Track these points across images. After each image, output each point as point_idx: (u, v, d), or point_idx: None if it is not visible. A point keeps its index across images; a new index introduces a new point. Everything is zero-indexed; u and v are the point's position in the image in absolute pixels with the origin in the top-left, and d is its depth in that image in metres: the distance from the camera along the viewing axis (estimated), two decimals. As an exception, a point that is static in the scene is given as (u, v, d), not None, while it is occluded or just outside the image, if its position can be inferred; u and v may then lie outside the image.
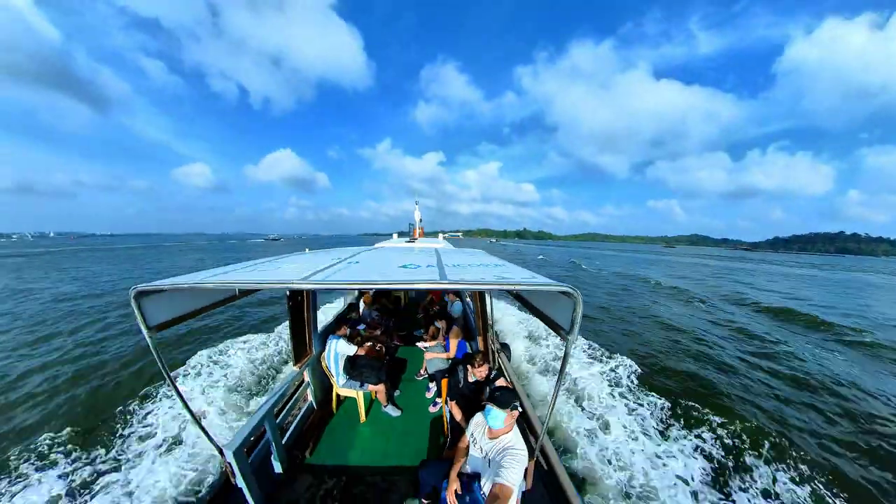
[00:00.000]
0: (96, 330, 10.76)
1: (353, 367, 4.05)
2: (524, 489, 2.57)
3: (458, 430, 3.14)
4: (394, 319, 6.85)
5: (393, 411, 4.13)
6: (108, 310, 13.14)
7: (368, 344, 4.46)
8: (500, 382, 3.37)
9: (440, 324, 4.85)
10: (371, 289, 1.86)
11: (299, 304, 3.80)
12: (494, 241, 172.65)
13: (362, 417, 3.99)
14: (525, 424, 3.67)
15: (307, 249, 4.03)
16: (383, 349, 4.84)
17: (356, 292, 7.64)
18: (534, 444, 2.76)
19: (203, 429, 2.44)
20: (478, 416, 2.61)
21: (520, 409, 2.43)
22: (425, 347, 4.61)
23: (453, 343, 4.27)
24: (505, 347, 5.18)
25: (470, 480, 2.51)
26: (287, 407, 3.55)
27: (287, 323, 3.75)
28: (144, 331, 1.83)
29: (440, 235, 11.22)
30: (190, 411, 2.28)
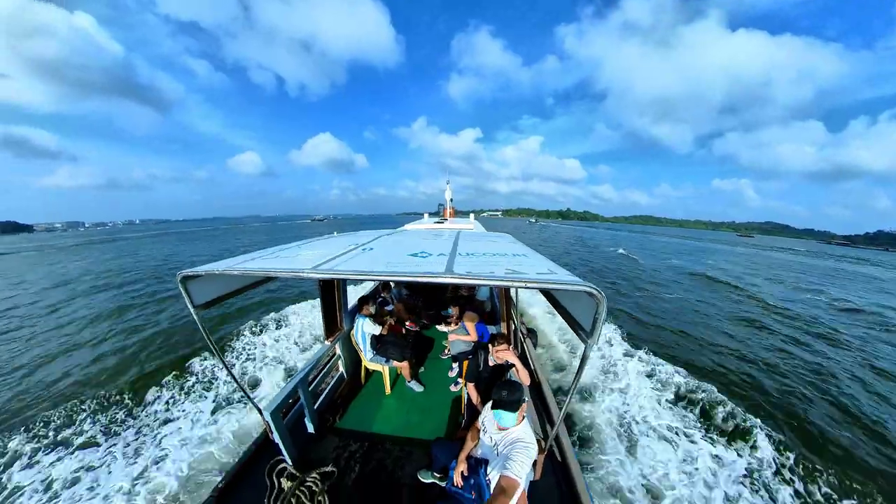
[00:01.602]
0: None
1: (380, 344, 4.25)
2: (532, 479, 2.55)
3: (474, 412, 3.19)
4: (422, 298, 7.00)
5: (416, 387, 4.32)
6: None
7: (392, 322, 4.61)
8: (521, 370, 3.30)
9: (454, 310, 4.86)
10: (374, 279, 1.93)
11: (329, 284, 4.04)
12: (534, 220, 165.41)
13: (387, 390, 4.24)
14: (543, 413, 3.61)
15: (335, 233, 4.18)
16: (408, 328, 4.98)
17: None
18: (549, 433, 2.70)
19: (246, 393, 2.79)
20: (490, 410, 2.60)
21: (527, 401, 2.37)
22: (447, 331, 4.67)
23: (470, 326, 4.27)
24: (532, 333, 5.07)
25: (478, 464, 2.55)
26: (320, 376, 3.88)
27: (320, 301, 4.03)
28: (191, 309, 2.11)
29: (471, 216, 10.91)
30: (235, 378, 2.61)
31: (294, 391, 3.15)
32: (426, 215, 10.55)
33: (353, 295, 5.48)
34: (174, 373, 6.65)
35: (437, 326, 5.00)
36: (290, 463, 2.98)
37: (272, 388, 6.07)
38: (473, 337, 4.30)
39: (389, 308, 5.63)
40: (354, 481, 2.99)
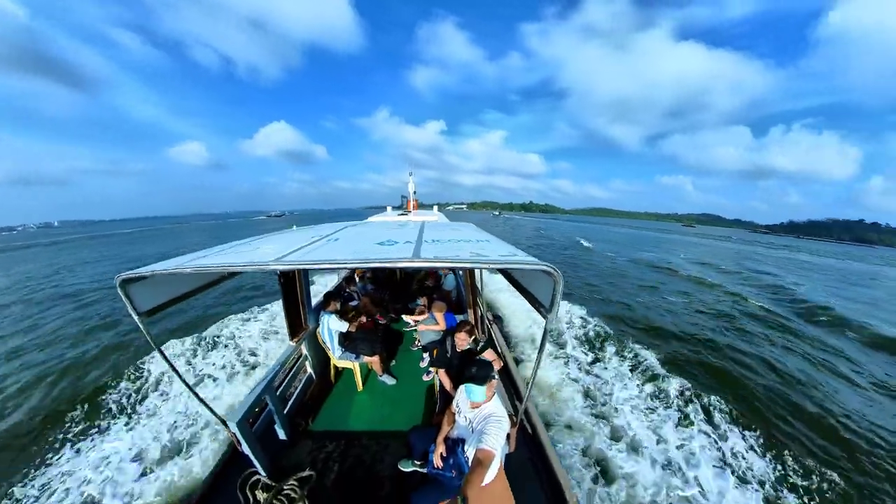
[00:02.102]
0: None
1: (349, 340, 4.18)
2: (507, 451, 2.71)
3: (448, 397, 3.28)
4: (389, 291, 6.96)
5: (388, 380, 4.32)
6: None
7: (361, 319, 4.56)
8: (488, 353, 3.46)
9: (422, 300, 4.93)
10: (342, 268, 1.88)
11: (291, 281, 3.86)
12: (498, 213, 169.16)
13: (359, 386, 4.19)
14: (512, 390, 3.82)
15: (294, 226, 4.02)
16: (377, 322, 4.96)
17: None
18: (518, 409, 2.87)
19: (207, 406, 2.59)
20: (462, 389, 2.72)
21: (496, 379, 2.52)
22: (414, 322, 4.73)
23: (439, 316, 4.36)
24: (497, 319, 5.29)
25: (455, 445, 2.65)
26: (287, 379, 3.74)
27: (281, 300, 3.84)
28: (135, 317, 1.90)
29: (435, 208, 10.89)
30: (192, 390, 2.43)
31: (260, 398, 3.01)
32: (389, 208, 10.30)
33: (317, 293, 5.33)
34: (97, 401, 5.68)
35: (404, 317, 5.03)
36: (265, 473, 2.86)
37: (234, 398, 5.73)
38: (442, 326, 4.39)
39: (355, 304, 5.54)
40: (334, 482, 2.96)
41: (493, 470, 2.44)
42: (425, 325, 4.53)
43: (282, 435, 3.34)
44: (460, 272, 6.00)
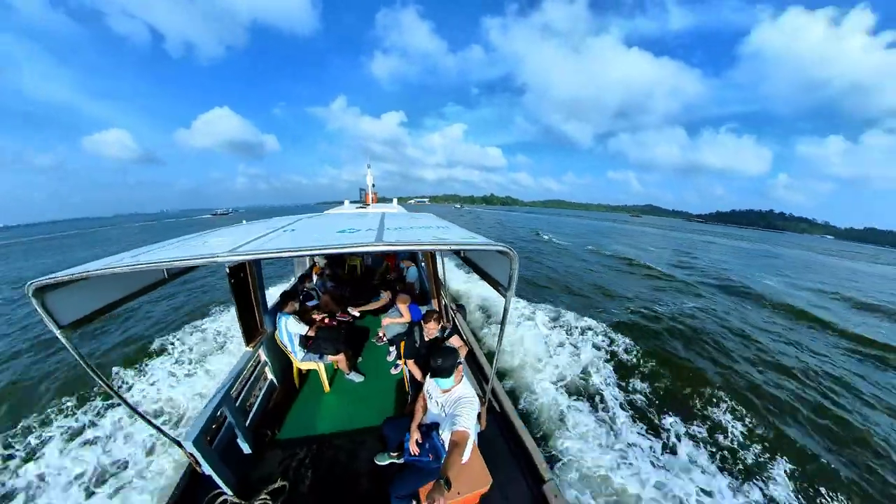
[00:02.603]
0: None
1: (311, 341, 4.02)
2: (479, 430, 2.84)
3: (418, 387, 3.32)
4: (350, 287, 6.79)
5: (356, 377, 4.25)
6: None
7: (322, 317, 4.41)
8: (454, 340, 3.55)
9: (385, 294, 4.92)
10: (305, 255, 1.76)
11: (242, 281, 3.57)
12: (460, 206, 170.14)
13: (326, 387, 4.06)
14: (479, 373, 3.97)
15: (244, 221, 3.72)
16: (339, 319, 4.82)
17: (306, 264, 7.39)
18: (486, 388, 3.00)
19: (156, 426, 2.37)
20: (430, 379, 2.78)
21: (462, 363, 2.61)
22: (359, 313, 4.83)
23: (403, 308, 4.36)
24: (461, 308, 5.43)
25: (429, 430, 2.71)
26: (246, 388, 3.49)
27: (232, 303, 3.55)
28: (56, 331, 1.63)
29: (394, 201, 10.70)
30: (135, 410, 2.20)
31: (218, 411, 2.78)
32: (347, 202, 9.90)
33: (273, 293, 5.04)
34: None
35: (350, 309, 4.94)
36: (231, 492, 2.67)
37: (189, 417, 5.23)
38: (407, 318, 4.40)
39: (314, 303, 5.33)
40: (310, 488, 2.87)
41: (469, 449, 2.54)
42: (390, 317, 4.50)
43: (246, 449, 3.14)
44: (423, 264, 6.02)
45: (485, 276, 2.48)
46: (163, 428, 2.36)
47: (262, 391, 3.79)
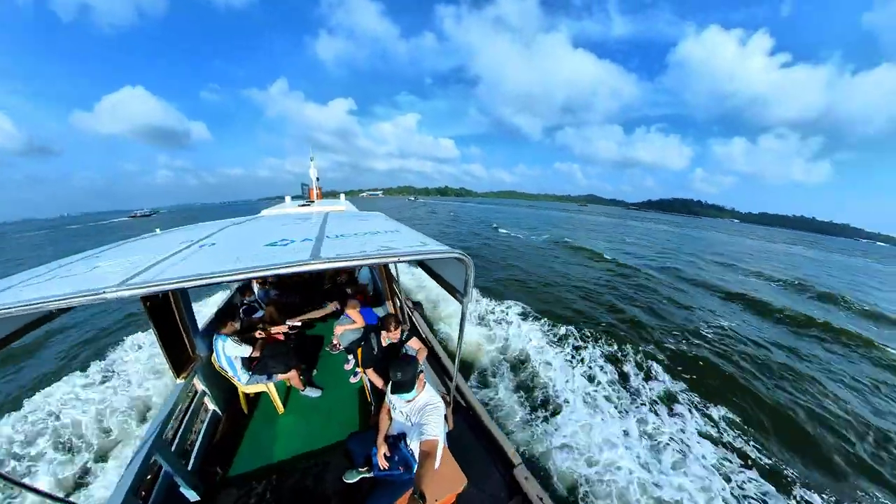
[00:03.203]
0: None
1: (256, 361, 3.66)
2: (447, 430, 2.82)
3: (381, 395, 3.20)
4: (298, 295, 6.31)
5: (312, 393, 3.98)
6: None
7: (266, 332, 4.03)
8: (414, 342, 3.46)
9: (331, 305, 4.67)
10: (217, 282, 1.49)
11: (161, 305, 3.04)
12: (414, 199, 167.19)
13: (280, 408, 3.74)
14: (441, 371, 3.96)
15: (157, 230, 3.18)
16: (287, 332, 4.46)
17: None
18: (450, 387, 2.99)
19: (61, 500, 1.94)
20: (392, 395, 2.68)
21: (422, 370, 2.56)
22: (299, 321, 4.53)
23: (354, 314, 4.15)
24: (417, 305, 5.35)
25: (396, 441, 2.63)
26: (183, 426, 3.06)
27: (152, 331, 3.01)
28: None
29: (342, 196, 10.01)
30: (21, 484, 1.77)
31: (149, 461, 2.41)
32: (288, 198, 8.97)
33: (204, 309, 4.47)
34: None
35: (289, 322, 4.57)
36: None
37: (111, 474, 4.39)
38: (361, 323, 4.21)
39: (259, 315, 4.86)
40: None
41: (440, 454, 2.52)
42: (342, 325, 4.27)
43: (192, 496, 2.75)
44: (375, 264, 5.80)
45: (441, 281, 2.41)
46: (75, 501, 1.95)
47: (205, 425, 3.37)
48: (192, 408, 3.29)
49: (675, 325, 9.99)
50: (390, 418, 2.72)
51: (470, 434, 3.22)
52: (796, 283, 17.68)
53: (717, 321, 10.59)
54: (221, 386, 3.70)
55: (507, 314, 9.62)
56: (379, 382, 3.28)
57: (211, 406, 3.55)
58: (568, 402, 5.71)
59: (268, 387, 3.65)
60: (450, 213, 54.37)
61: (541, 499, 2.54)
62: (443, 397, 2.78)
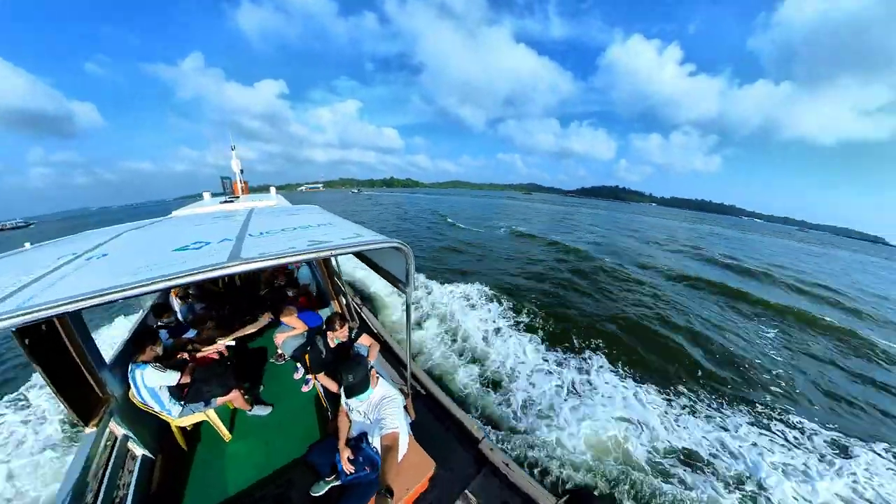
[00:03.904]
0: None
1: (188, 389, 3.23)
2: (410, 421, 2.84)
3: (336, 399, 3.09)
4: (229, 305, 5.68)
5: (262, 411, 3.68)
6: None
7: (195, 353, 3.60)
8: (364, 339, 3.37)
9: (263, 317, 4.32)
10: (111, 300, 1.22)
11: (46, 339, 2.44)
12: (357, 191, 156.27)
13: (226, 436, 3.39)
14: (396, 363, 3.93)
15: (27, 244, 2.56)
16: (223, 350, 4.03)
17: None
18: (406, 377, 2.99)
19: None
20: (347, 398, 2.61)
21: (373, 367, 2.54)
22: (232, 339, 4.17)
23: (292, 320, 3.89)
24: (367, 301, 5.20)
25: (359, 442, 2.58)
26: (105, 484, 2.60)
27: (38, 374, 2.40)
28: None
29: (272, 190, 9.00)
30: None
31: None
32: (207, 195, 7.68)
33: (110, 334, 3.79)
34: None
35: (220, 340, 4.14)
36: None
37: None
38: (302, 327, 3.96)
39: (192, 334, 4.28)
40: None
41: (404, 445, 2.53)
42: (282, 333, 3.98)
43: None
44: (314, 261, 5.42)
45: (383, 273, 2.38)
46: None
47: (135, 475, 2.89)
48: (113, 459, 2.79)
49: (610, 301, 11.72)
50: (349, 420, 2.66)
51: (433, 419, 3.29)
52: (692, 248, 26.72)
53: (647, 286, 13.66)
54: (148, 425, 3.20)
55: (462, 299, 10.01)
56: (333, 386, 3.15)
57: (139, 451, 3.04)
58: (519, 374, 6.26)
59: (207, 415, 3.27)
60: (398, 207, 52.46)
61: (506, 464, 2.72)
62: (400, 389, 2.77)
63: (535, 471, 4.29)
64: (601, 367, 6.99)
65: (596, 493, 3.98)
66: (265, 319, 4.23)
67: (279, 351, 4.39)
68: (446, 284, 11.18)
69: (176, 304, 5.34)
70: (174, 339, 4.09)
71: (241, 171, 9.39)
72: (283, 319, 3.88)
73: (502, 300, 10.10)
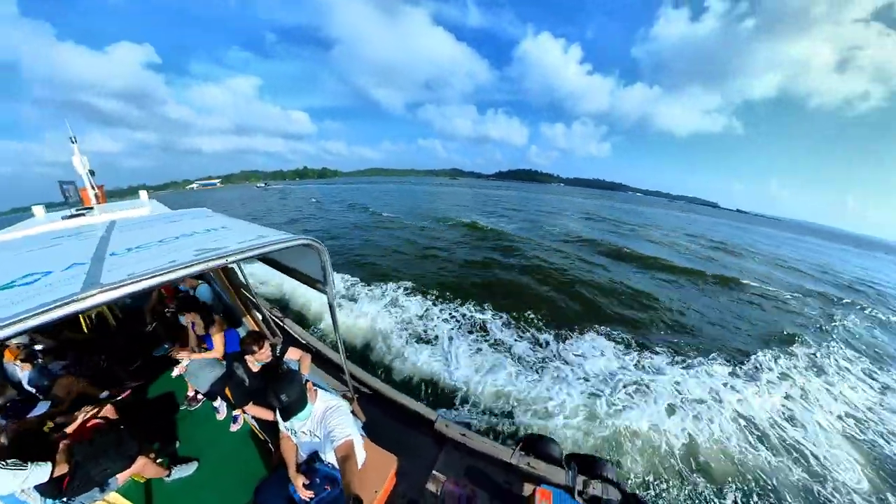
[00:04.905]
0: None
1: (67, 481, 2.53)
2: (361, 424, 2.74)
3: (274, 428, 2.78)
4: (104, 355, 4.52)
5: (185, 470, 3.09)
6: None
7: (68, 427, 2.82)
8: (292, 353, 3.05)
9: (175, 351, 3.61)
10: None
11: None
12: (265, 185, 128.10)
13: None
14: (332, 368, 3.69)
15: None
16: (110, 412, 3.23)
17: None
18: (345, 380, 2.84)
19: None
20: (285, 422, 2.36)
21: (308, 380, 2.36)
22: (187, 363, 3.42)
23: (218, 339, 3.35)
24: (287, 311, 4.69)
25: (311, 463, 2.41)
26: None
27: None
28: None
29: (143, 194, 6.64)
30: None
31: None
32: (39, 210, 5.10)
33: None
34: None
35: (176, 369, 3.51)
36: None
37: None
38: (220, 352, 3.43)
39: (39, 411, 3.29)
40: None
41: (361, 450, 2.44)
42: (194, 367, 3.38)
43: None
44: (211, 275, 4.54)
45: (296, 274, 2.15)
46: None
47: None
48: None
49: (525, 273, 13.50)
50: (294, 445, 2.44)
51: (384, 414, 3.25)
52: (588, 216, 36.38)
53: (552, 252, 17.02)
54: None
55: (392, 291, 10.07)
56: (267, 415, 2.82)
57: None
58: (448, 339, 6.88)
59: (110, 499, 2.64)
60: (312, 201, 46.08)
61: (463, 434, 2.86)
62: (343, 395, 2.63)
63: (492, 429, 4.77)
64: (508, 325, 8.30)
65: (538, 434, 4.65)
66: (185, 356, 3.45)
67: (190, 393, 3.70)
68: (377, 283, 11.11)
69: (18, 370, 4.02)
70: (17, 421, 3.08)
71: (92, 173, 6.53)
72: (214, 336, 3.31)
73: (428, 286, 10.58)
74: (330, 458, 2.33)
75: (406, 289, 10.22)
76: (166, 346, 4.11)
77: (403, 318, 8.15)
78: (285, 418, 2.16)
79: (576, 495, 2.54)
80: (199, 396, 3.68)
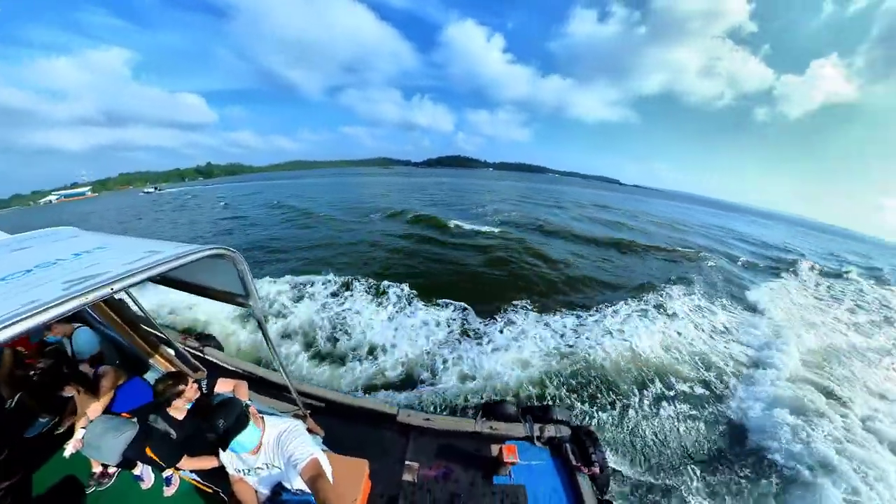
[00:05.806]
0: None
1: None
2: (321, 439, 2.58)
3: (220, 474, 2.42)
4: None
5: None
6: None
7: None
8: (222, 385, 2.67)
9: (67, 421, 2.85)
10: None
11: None
12: (154, 189, 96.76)
13: None
14: (277, 389, 3.32)
15: None
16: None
17: None
18: (293, 397, 2.61)
19: None
20: (228, 452, 2.05)
21: (250, 402, 2.11)
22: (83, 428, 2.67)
23: (104, 401, 2.72)
24: (207, 338, 4.04)
25: (277, 496, 2.20)
26: None
27: None
28: None
29: None
30: None
31: None
32: None
33: None
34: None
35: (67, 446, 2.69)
36: None
37: None
38: (103, 403, 2.79)
39: None
40: None
41: (328, 465, 2.30)
42: (90, 436, 2.69)
43: None
44: (95, 316, 3.54)
45: (209, 292, 1.84)
46: None
47: None
48: None
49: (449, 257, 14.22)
50: (250, 486, 2.18)
51: (343, 422, 3.12)
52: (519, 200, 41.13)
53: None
54: None
55: (323, 287, 9.68)
56: (207, 463, 2.46)
57: None
58: (395, 336, 7.07)
59: None
60: (219, 202, 39.29)
61: (427, 419, 2.89)
62: (295, 415, 2.43)
63: (452, 405, 4.99)
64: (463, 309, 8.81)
65: (495, 399, 4.99)
66: (78, 425, 2.69)
67: (96, 470, 2.95)
68: (309, 279, 10.33)
69: None
70: None
71: None
72: (78, 422, 2.62)
73: (366, 279, 10.30)
74: (298, 484, 2.15)
75: (336, 283, 9.95)
76: (43, 419, 3.21)
77: (337, 312, 7.94)
78: (226, 446, 1.85)
79: (535, 441, 2.88)
80: (111, 471, 2.98)
